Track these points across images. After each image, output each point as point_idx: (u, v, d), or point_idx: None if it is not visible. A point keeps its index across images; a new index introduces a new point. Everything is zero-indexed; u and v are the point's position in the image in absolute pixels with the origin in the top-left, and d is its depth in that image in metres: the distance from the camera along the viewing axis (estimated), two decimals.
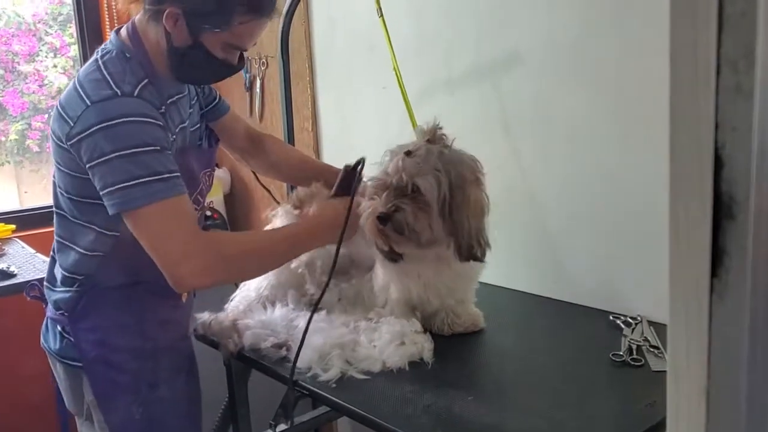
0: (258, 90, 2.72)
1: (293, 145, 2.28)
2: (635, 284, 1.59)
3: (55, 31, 2.97)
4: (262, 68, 2.69)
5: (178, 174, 1.32)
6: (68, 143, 1.29)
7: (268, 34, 2.61)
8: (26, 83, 2.92)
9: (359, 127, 2.32)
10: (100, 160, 1.26)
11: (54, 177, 1.43)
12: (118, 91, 1.29)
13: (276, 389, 1.39)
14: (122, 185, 1.25)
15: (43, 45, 2.96)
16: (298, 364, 1.35)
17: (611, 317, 1.54)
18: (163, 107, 1.39)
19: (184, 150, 1.48)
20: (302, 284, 1.61)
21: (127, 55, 1.37)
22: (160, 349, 1.49)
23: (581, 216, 1.68)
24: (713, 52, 0.33)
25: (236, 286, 1.74)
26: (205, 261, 1.31)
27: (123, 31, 1.41)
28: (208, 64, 1.40)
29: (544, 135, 1.73)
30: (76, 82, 1.34)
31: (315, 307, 1.40)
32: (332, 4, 2.33)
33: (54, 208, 1.45)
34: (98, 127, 1.26)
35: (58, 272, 1.47)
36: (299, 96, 2.45)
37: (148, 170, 1.26)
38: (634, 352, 1.36)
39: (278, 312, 1.53)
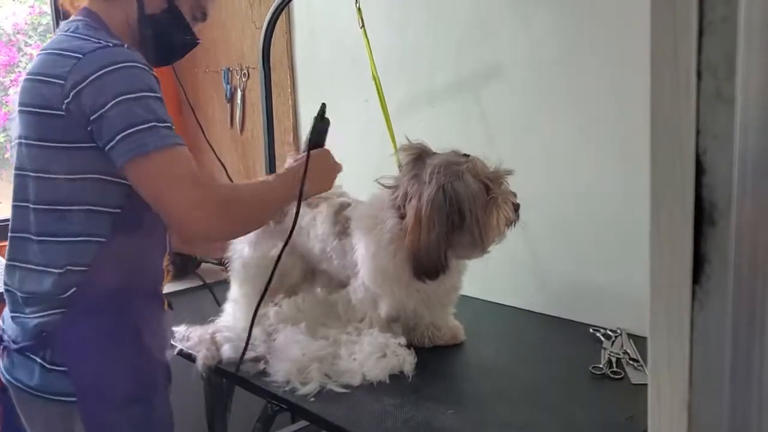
0: (239, 101, 2.71)
1: (274, 157, 2.26)
2: (614, 297, 1.59)
3: (35, 42, 2.94)
4: (243, 79, 2.68)
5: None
6: (64, 102, 1.20)
7: (250, 45, 2.62)
8: (6, 95, 2.88)
9: (340, 139, 2.31)
10: (110, 104, 1.18)
11: (15, 192, 1.30)
12: (109, 44, 1.24)
13: (255, 403, 1.38)
14: (135, 129, 1.18)
15: (23, 56, 2.92)
16: (276, 377, 1.34)
17: (591, 330, 1.54)
18: None
19: None
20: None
21: (95, 26, 1.32)
22: (152, 362, 1.38)
23: (560, 229, 1.69)
24: (694, 57, 0.33)
25: (218, 304, 1.71)
26: (224, 206, 1.27)
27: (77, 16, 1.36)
28: (177, 31, 1.41)
29: (524, 148, 1.73)
30: (49, 51, 1.26)
31: (263, 295, 1.39)
32: (314, 16, 2.33)
33: (13, 233, 1.32)
34: (102, 72, 1.19)
35: (30, 299, 1.30)
36: (280, 107, 2.44)
37: (156, 115, 1.21)
38: (614, 365, 1.36)
39: (258, 325, 1.51)
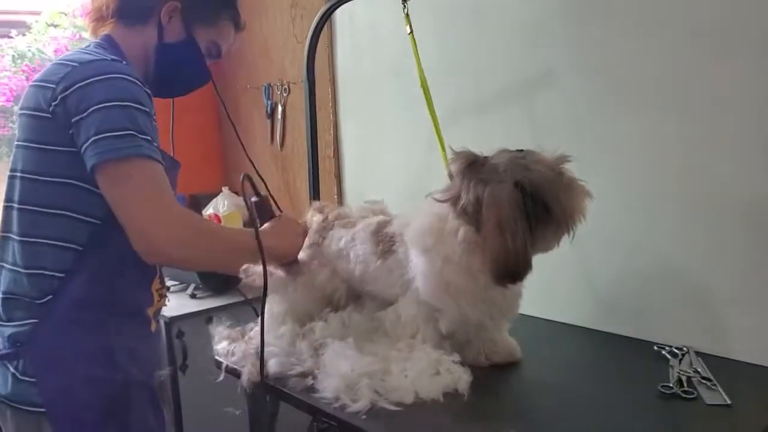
0: (279, 117, 2.69)
1: (317, 172, 2.22)
2: (679, 313, 1.50)
3: None
4: (284, 95, 2.66)
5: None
6: (52, 104, 1.22)
7: (291, 60, 2.60)
8: None
9: (382, 152, 2.27)
10: (92, 108, 1.19)
11: (6, 193, 1.31)
12: (107, 58, 1.28)
13: (303, 420, 1.32)
14: (112, 134, 1.18)
15: None
16: (325, 392, 1.28)
17: (655, 347, 1.46)
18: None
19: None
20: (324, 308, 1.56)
21: (107, 47, 1.37)
22: (129, 382, 1.34)
23: (618, 241, 1.61)
24: None
25: (256, 314, 1.66)
26: (185, 232, 1.25)
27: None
28: (193, 62, 1.45)
29: (578, 158, 1.65)
30: (55, 61, 1.30)
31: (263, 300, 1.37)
32: (357, 28, 2.30)
33: (2, 233, 1.33)
34: (91, 80, 1.21)
35: (9, 302, 1.31)
36: (322, 122, 2.41)
37: (138, 127, 1.21)
38: (685, 384, 1.27)
39: (304, 340, 1.46)
